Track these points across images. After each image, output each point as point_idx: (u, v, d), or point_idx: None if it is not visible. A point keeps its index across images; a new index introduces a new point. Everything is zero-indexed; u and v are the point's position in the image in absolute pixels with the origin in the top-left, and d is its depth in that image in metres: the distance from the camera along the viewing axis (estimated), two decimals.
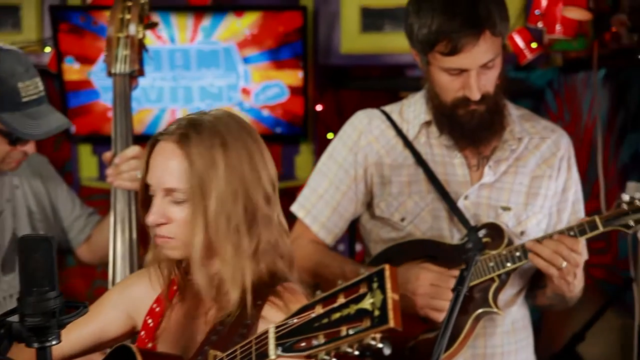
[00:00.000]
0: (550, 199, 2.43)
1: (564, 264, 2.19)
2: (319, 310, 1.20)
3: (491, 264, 2.28)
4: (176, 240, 1.79)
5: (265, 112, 4.40)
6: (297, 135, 4.46)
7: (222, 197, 1.74)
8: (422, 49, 2.29)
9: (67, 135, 4.45)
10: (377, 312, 1.09)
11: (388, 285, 1.09)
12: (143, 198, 1.86)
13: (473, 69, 2.24)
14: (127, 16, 2.63)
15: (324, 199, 2.45)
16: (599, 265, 4.21)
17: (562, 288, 2.28)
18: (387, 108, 2.50)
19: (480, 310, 2.30)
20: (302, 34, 4.25)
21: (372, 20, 4.41)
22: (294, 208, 2.49)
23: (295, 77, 4.34)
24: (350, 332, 1.10)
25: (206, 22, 4.25)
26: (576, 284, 2.29)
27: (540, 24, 3.82)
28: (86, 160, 4.59)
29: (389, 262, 2.38)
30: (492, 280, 2.30)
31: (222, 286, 1.79)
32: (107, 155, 2.52)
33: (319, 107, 4.57)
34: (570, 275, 2.24)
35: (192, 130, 1.78)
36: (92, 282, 4.86)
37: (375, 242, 2.47)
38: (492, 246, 2.29)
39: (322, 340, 1.16)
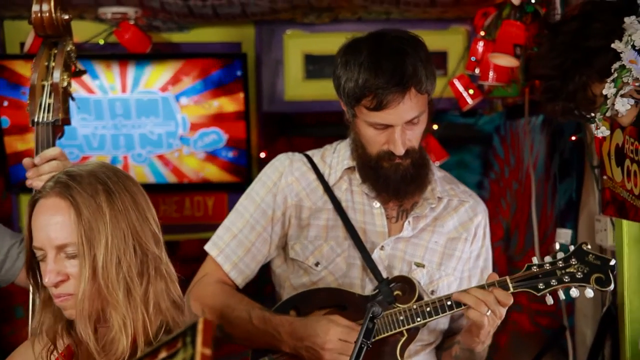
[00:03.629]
0: (464, 263, 2.41)
1: (488, 312, 2.17)
2: None
3: (401, 318, 2.24)
4: (77, 295, 1.72)
5: (208, 160, 4.39)
6: (241, 183, 4.44)
7: (111, 243, 1.70)
8: (349, 102, 2.28)
9: (7, 187, 4.41)
10: None
11: (199, 339, 1.06)
12: (30, 264, 1.79)
13: (398, 125, 2.23)
14: (53, 63, 2.59)
15: (238, 239, 2.40)
16: (544, 313, 4.19)
17: (480, 340, 2.25)
18: (310, 152, 2.48)
19: None
20: (243, 81, 4.26)
21: (316, 67, 4.43)
22: (207, 247, 2.43)
23: (237, 124, 4.34)
24: None
25: (146, 70, 4.26)
26: (490, 336, 2.26)
27: (477, 71, 3.84)
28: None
29: (296, 309, 2.38)
30: (401, 334, 2.25)
31: (112, 337, 1.74)
32: (28, 160, 2.45)
33: (262, 155, 4.55)
34: (494, 327, 2.21)
35: (72, 181, 1.74)
36: None
37: (285, 288, 2.42)
38: (403, 300, 2.26)
39: None
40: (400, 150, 2.24)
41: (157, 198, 4.55)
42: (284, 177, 2.40)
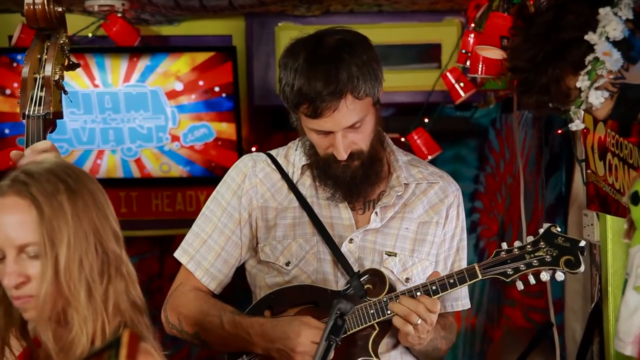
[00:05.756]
0: (437, 246, 2.38)
1: (419, 321, 2.17)
2: None
3: (372, 311, 2.22)
4: (38, 297, 1.68)
5: (199, 155, 4.38)
6: None
7: (73, 242, 1.66)
8: (289, 106, 2.27)
9: None
10: None
11: (122, 352, 1.05)
12: None
13: (337, 131, 2.20)
14: (45, 56, 2.56)
15: (208, 244, 2.38)
16: (536, 308, 4.15)
17: (413, 343, 2.25)
18: (274, 152, 2.46)
19: (359, 359, 2.23)
20: (234, 75, 4.24)
21: None
22: (177, 254, 2.41)
23: (228, 118, 4.33)
24: None
25: (134, 64, 4.25)
26: (426, 339, 2.25)
27: (468, 63, 3.79)
28: None
29: (270, 308, 2.35)
30: (372, 327, 2.23)
31: (72, 338, 1.71)
32: (16, 153, 2.40)
33: (253, 149, 4.53)
34: (424, 333, 2.21)
35: (31, 180, 1.69)
36: None
37: (260, 287, 2.40)
38: (374, 293, 2.23)
39: None
40: (342, 156, 2.23)
41: (148, 193, 4.54)
42: (248, 179, 2.38)
